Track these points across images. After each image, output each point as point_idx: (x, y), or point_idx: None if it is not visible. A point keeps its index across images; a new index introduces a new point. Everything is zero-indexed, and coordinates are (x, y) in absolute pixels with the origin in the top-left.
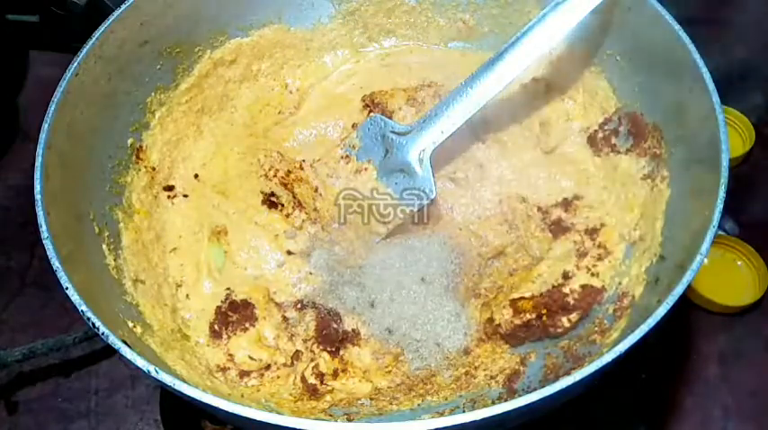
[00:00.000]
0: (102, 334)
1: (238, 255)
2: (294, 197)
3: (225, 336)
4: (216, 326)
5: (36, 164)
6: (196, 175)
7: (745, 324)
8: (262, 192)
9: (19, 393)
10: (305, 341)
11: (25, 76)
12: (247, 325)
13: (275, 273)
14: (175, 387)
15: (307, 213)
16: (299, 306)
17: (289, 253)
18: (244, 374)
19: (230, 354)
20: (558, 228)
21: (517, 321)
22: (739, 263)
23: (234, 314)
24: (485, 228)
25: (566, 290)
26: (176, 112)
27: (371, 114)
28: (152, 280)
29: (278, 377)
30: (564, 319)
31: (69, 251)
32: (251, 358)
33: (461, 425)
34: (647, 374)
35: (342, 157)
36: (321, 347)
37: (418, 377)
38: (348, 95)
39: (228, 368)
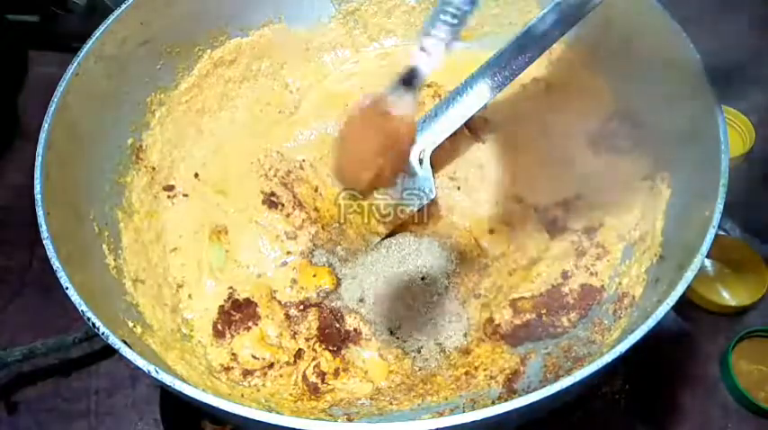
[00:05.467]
0: (103, 334)
1: (239, 254)
2: (294, 197)
3: (228, 336)
4: (219, 326)
5: (36, 163)
6: (196, 175)
7: (745, 324)
8: (262, 192)
9: (19, 393)
10: (307, 340)
11: (25, 76)
12: (250, 323)
13: (276, 273)
14: (175, 387)
15: (307, 213)
16: (301, 306)
17: (289, 253)
18: (247, 373)
19: (234, 354)
20: (555, 228)
21: (517, 321)
22: (739, 263)
23: (237, 313)
24: (484, 228)
25: (565, 289)
26: (176, 112)
27: None
28: (152, 280)
29: (281, 376)
30: (564, 319)
31: (69, 251)
32: (254, 357)
33: (461, 425)
34: (647, 374)
35: None
36: (323, 346)
37: (418, 377)
38: (348, 95)
39: (232, 367)
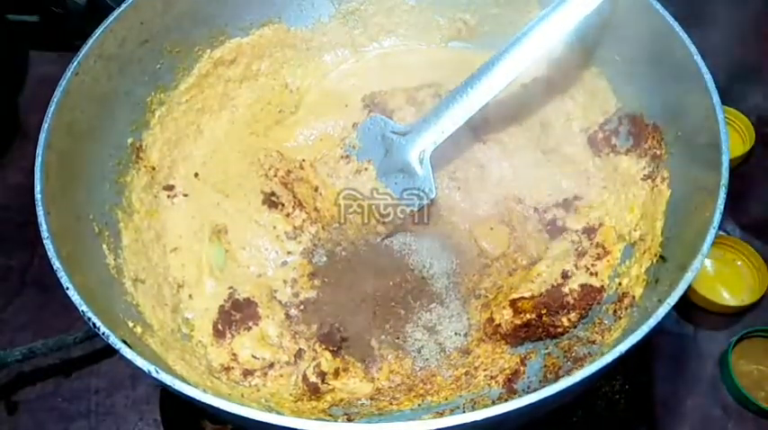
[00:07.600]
0: (103, 334)
1: (240, 254)
2: (294, 197)
3: (228, 336)
4: (219, 326)
5: (36, 163)
6: (196, 174)
7: (745, 324)
8: (262, 192)
9: (19, 393)
10: (307, 340)
11: (25, 76)
12: (251, 323)
13: (276, 273)
14: (175, 387)
15: (307, 213)
16: (301, 307)
17: (289, 253)
18: (247, 373)
19: (234, 354)
20: (555, 229)
21: (517, 321)
22: (739, 263)
23: (237, 313)
24: (484, 228)
25: (565, 289)
26: (176, 112)
27: (371, 114)
28: (152, 279)
29: (281, 376)
30: (564, 319)
31: (69, 251)
32: (254, 357)
33: (462, 425)
34: (647, 374)
35: (342, 157)
36: (323, 346)
37: (418, 377)
38: (348, 95)
39: (232, 367)
